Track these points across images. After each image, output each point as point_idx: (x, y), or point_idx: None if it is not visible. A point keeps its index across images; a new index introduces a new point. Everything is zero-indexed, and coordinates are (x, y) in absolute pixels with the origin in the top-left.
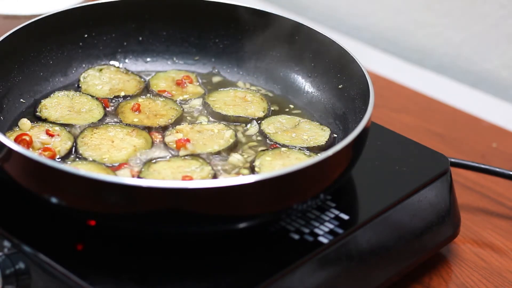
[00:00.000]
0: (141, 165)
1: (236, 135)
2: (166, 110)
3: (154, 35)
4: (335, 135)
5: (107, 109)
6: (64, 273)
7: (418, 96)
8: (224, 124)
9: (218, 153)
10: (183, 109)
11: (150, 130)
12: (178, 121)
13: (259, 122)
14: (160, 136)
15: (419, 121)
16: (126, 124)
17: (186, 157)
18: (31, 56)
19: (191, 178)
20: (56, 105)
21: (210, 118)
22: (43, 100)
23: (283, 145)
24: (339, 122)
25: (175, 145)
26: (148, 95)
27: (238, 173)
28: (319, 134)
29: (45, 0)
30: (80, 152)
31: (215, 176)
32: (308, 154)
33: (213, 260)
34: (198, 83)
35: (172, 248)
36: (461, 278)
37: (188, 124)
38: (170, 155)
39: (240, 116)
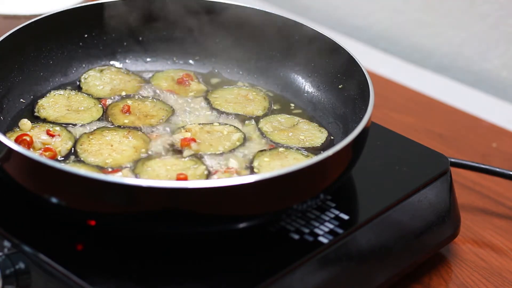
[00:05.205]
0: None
1: (244, 138)
2: (156, 110)
3: (154, 35)
4: (332, 137)
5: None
6: (64, 273)
7: (418, 96)
8: (234, 127)
9: (219, 153)
10: (173, 109)
11: (142, 129)
12: (170, 120)
13: (257, 120)
14: (155, 135)
15: (419, 121)
16: (119, 126)
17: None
18: (31, 56)
19: (185, 177)
20: (53, 105)
21: (213, 113)
22: (40, 100)
23: (278, 144)
24: (339, 122)
25: (180, 144)
26: (136, 96)
27: (232, 172)
28: (316, 135)
29: (45, 0)
30: (82, 158)
31: (209, 175)
32: (306, 154)
33: (213, 260)
34: (197, 80)
35: (172, 248)
36: (461, 278)
37: (199, 124)
38: (172, 152)
39: (239, 114)
